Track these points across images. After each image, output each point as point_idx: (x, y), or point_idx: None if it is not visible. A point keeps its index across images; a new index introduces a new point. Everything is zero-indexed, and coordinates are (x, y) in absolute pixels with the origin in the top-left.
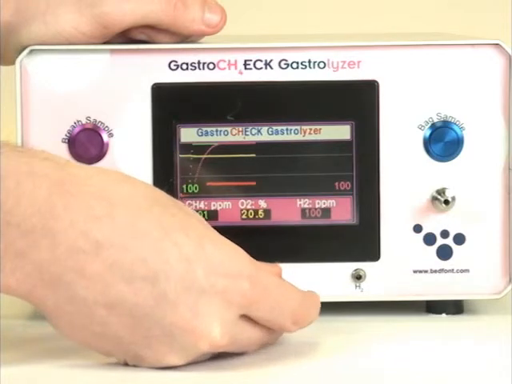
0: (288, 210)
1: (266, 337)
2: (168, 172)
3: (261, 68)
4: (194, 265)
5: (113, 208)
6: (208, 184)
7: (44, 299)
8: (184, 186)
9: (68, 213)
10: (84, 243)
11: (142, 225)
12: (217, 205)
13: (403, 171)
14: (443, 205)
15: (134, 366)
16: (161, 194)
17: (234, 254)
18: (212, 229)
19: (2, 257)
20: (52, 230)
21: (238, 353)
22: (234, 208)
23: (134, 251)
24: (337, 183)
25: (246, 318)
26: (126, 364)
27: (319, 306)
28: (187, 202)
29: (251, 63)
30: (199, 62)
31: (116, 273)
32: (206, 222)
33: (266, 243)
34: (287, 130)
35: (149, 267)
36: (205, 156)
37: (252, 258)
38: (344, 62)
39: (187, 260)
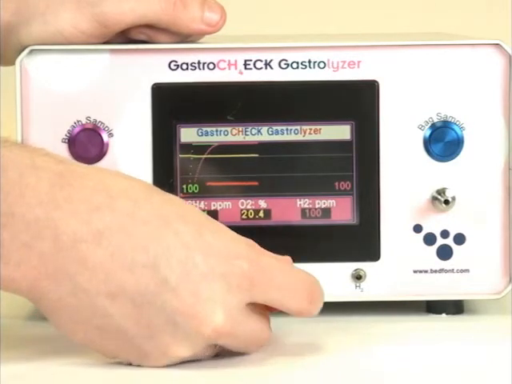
0: (288, 210)
1: (267, 333)
2: (168, 172)
3: (261, 68)
4: (193, 251)
5: (112, 199)
6: (208, 184)
7: (47, 292)
8: (184, 186)
9: (69, 204)
10: (86, 233)
11: (141, 213)
12: (217, 205)
13: (403, 171)
14: (443, 205)
15: (138, 366)
16: (157, 188)
17: (233, 240)
18: (211, 218)
19: (7, 249)
20: (54, 220)
21: (237, 353)
22: (234, 208)
23: (134, 239)
24: (337, 183)
25: (251, 308)
26: (129, 364)
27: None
28: (187, 202)
29: (251, 63)
30: (199, 62)
31: (117, 261)
32: (203, 212)
33: (266, 243)
34: (287, 130)
35: (149, 254)
36: (205, 156)
37: (252, 245)
38: (344, 62)
39: (187, 247)
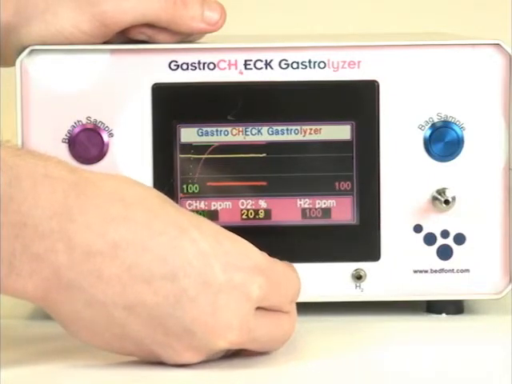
0: (288, 210)
1: (288, 327)
2: (168, 172)
3: (261, 68)
4: (212, 260)
5: (128, 209)
6: (208, 184)
7: (61, 304)
8: (184, 186)
9: (84, 215)
10: (101, 245)
11: (157, 224)
12: (217, 205)
13: (403, 171)
14: (443, 205)
15: (144, 365)
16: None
17: (248, 249)
18: (221, 227)
19: (19, 260)
20: (68, 232)
21: (238, 354)
22: (234, 208)
23: (152, 251)
24: (337, 183)
25: (260, 310)
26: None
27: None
28: (187, 202)
29: (251, 63)
30: (199, 62)
31: (135, 274)
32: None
33: (266, 243)
34: (287, 130)
35: (168, 265)
36: (205, 156)
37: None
38: (344, 62)
39: (205, 255)
